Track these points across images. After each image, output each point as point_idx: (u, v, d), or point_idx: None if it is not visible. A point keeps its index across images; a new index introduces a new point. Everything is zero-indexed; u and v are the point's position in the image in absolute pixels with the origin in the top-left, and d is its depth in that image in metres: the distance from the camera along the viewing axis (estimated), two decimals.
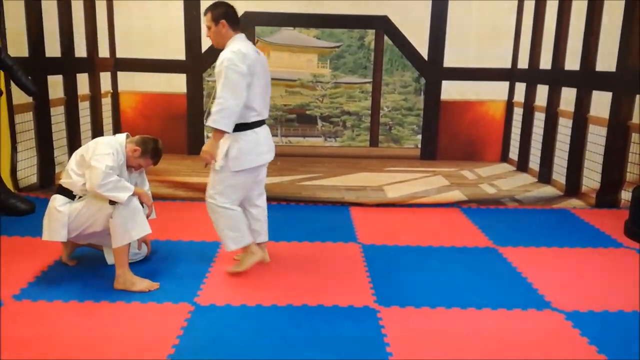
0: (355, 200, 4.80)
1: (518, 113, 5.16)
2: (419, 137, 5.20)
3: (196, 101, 4.97)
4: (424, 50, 4.99)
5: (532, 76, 5.04)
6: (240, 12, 4.78)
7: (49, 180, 4.83)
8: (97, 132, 5.00)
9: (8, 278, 3.14)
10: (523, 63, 5.02)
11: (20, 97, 4.54)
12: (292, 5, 4.84)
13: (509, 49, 4.99)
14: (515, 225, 4.35)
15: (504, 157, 5.27)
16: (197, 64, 4.85)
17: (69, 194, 3.09)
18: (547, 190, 4.98)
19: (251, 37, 4.93)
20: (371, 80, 5.09)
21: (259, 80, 3.12)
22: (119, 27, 4.85)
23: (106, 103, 5.06)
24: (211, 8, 3.17)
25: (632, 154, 4.68)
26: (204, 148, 3.10)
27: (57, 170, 4.86)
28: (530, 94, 5.08)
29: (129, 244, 3.04)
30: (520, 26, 4.95)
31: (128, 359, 2.43)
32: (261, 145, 3.23)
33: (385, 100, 5.13)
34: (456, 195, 4.87)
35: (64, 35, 4.77)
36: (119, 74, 4.99)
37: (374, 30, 4.99)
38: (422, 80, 5.09)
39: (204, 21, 3.19)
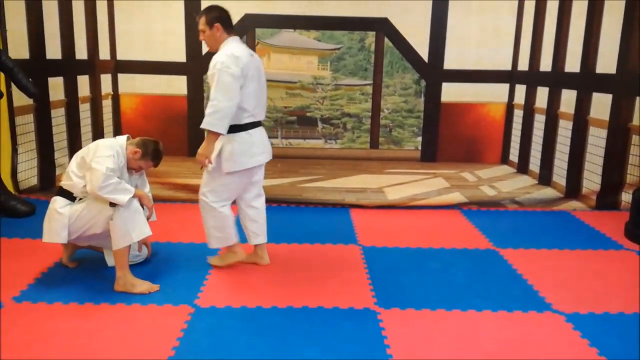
0: (355, 202, 4.80)
1: (518, 115, 5.16)
2: (419, 139, 5.20)
3: (196, 103, 4.97)
4: (424, 53, 5.00)
5: (532, 78, 5.04)
6: (240, 14, 4.86)
7: (49, 182, 4.83)
8: (98, 134, 5.01)
9: (8, 280, 3.14)
10: (523, 65, 5.02)
11: (20, 99, 4.55)
12: (292, 7, 4.85)
13: (509, 51, 4.99)
14: (515, 227, 4.35)
15: (504, 159, 5.27)
16: (198, 65, 4.86)
17: (69, 196, 3.09)
18: (548, 192, 4.98)
19: (251, 39, 4.95)
20: (371, 82, 5.09)
21: (252, 82, 3.14)
22: (119, 29, 4.86)
23: (107, 105, 5.06)
24: (205, 12, 3.20)
25: (632, 156, 4.68)
26: (200, 151, 3.11)
27: (57, 172, 4.86)
28: (530, 96, 5.08)
29: (129, 246, 3.04)
30: (521, 28, 4.96)
31: None
32: (255, 146, 3.24)
33: (385, 102, 5.13)
34: (456, 197, 4.87)
35: (65, 37, 4.77)
36: (120, 75, 5.00)
37: (374, 33, 5.00)
38: (423, 82, 5.09)
39: (198, 25, 3.20)
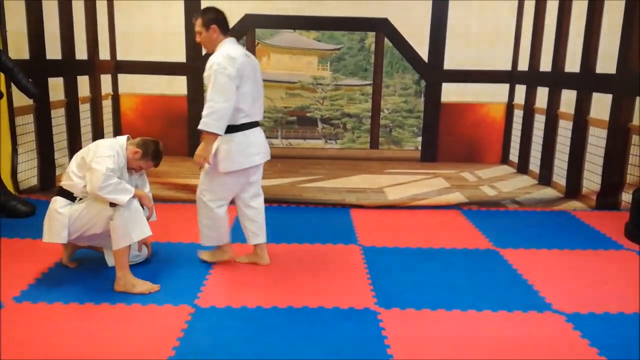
0: (355, 202, 4.80)
1: (518, 115, 5.16)
2: (419, 139, 5.20)
3: (197, 103, 4.96)
4: (424, 53, 5.00)
5: (532, 78, 5.04)
6: (240, 15, 4.86)
7: (49, 182, 4.83)
8: (98, 134, 5.01)
9: (8, 280, 3.13)
10: (523, 65, 5.02)
11: (20, 99, 4.55)
12: (292, 8, 4.85)
13: (509, 51, 5.00)
14: (515, 227, 4.35)
15: (505, 159, 5.27)
16: (198, 65, 4.84)
17: (69, 196, 3.09)
18: (548, 192, 4.98)
19: (251, 39, 4.95)
20: (371, 82, 5.09)
21: (248, 83, 3.15)
22: (119, 29, 4.86)
23: (107, 105, 5.06)
24: (202, 13, 3.23)
25: (632, 156, 4.68)
26: (198, 152, 3.12)
27: (57, 173, 4.86)
28: (530, 96, 5.08)
29: (130, 246, 3.04)
30: (521, 28, 4.96)
31: None
32: (251, 147, 3.25)
33: (385, 102, 5.13)
34: (456, 197, 4.87)
35: (65, 38, 4.77)
36: (120, 76, 5.00)
37: (374, 33, 5.00)
38: (423, 83, 5.09)
39: (195, 26, 3.22)
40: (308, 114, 5.15)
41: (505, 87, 5.10)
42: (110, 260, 3.28)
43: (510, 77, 5.06)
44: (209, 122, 3.02)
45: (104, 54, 4.93)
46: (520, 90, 5.09)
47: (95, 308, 2.87)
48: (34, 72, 4.49)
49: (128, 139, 3.22)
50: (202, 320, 2.78)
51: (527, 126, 5.13)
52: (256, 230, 3.44)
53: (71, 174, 3.09)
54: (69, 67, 4.86)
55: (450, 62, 5.00)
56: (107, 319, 2.77)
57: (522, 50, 5.00)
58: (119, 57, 4.93)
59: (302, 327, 2.73)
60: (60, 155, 4.92)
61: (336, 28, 4.99)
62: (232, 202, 3.43)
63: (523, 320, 2.86)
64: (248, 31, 4.93)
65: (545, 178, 5.06)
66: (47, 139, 4.85)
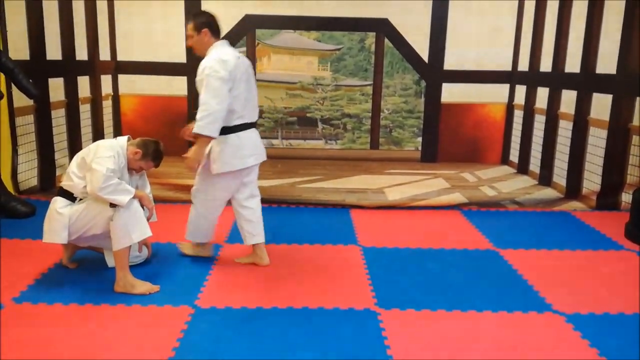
0: (355, 202, 4.80)
1: (518, 115, 5.16)
2: (420, 139, 5.21)
3: (197, 104, 4.96)
4: (424, 53, 5.00)
5: (532, 79, 5.04)
6: (241, 15, 4.87)
7: (49, 182, 4.84)
8: (98, 134, 5.01)
9: (8, 281, 3.13)
10: (523, 66, 5.03)
11: (21, 99, 4.55)
12: (292, 8, 4.85)
13: (509, 51, 5.00)
14: (515, 228, 4.35)
15: (505, 160, 5.27)
16: (198, 66, 4.85)
17: (69, 197, 3.10)
18: (548, 193, 4.98)
19: (252, 40, 4.95)
20: (372, 82, 5.10)
21: (240, 84, 3.17)
22: (119, 29, 4.87)
23: (107, 106, 5.07)
24: (193, 17, 3.25)
25: (632, 157, 4.68)
26: (191, 155, 3.12)
27: (57, 173, 4.86)
28: (530, 97, 5.08)
29: (130, 246, 3.04)
30: (521, 29, 4.96)
31: None
32: (245, 149, 3.26)
33: (385, 102, 5.13)
34: (457, 197, 4.87)
35: (65, 38, 4.78)
36: (120, 76, 5.01)
37: (374, 33, 5.00)
38: (423, 83, 5.09)
39: (186, 30, 3.24)
40: (308, 115, 5.15)
41: (505, 88, 5.10)
42: (110, 261, 3.28)
43: (510, 77, 5.06)
44: (203, 125, 3.04)
45: (104, 54, 4.94)
46: (521, 91, 5.10)
47: (95, 309, 2.87)
48: (34, 73, 4.49)
49: (128, 139, 3.22)
50: (202, 321, 2.78)
51: (527, 126, 5.13)
52: (252, 230, 3.45)
53: (71, 175, 3.09)
54: (69, 68, 4.87)
55: (451, 62, 5.00)
56: (107, 320, 2.77)
57: (522, 51, 5.00)
58: (119, 57, 4.94)
59: (302, 328, 2.73)
60: (60, 155, 4.92)
61: (336, 28, 4.99)
62: (229, 202, 3.45)
63: (523, 321, 2.86)
64: (248, 32, 4.93)
65: (545, 178, 5.06)
66: (48, 140, 4.85)
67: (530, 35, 4.95)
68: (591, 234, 4.24)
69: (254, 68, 4.99)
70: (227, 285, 3.22)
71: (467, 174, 5.17)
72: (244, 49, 4.97)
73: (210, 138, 3.09)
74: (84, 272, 3.32)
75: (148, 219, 3.12)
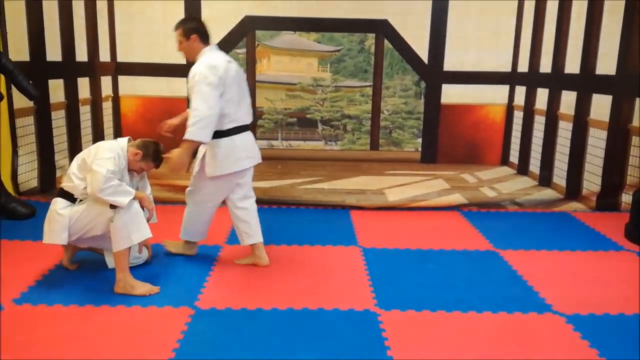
0: (355, 203, 4.80)
1: (518, 116, 5.17)
2: (420, 140, 5.21)
3: None
4: (424, 54, 5.01)
5: (532, 79, 5.05)
6: (240, 16, 4.87)
7: (49, 184, 4.84)
8: (98, 136, 5.01)
9: (8, 282, 3.13)
10: (523, 66, 5.03)
11: (21, 101, 4.55)
12: (292, 9, 4.85)
13: (509, 52, 5.00)
14: (515, 229, 4.35)
15: (505, 161, 5.27)
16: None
17: (70, 198, 3.10)
18: (548, 194, 4.98)
19: (251, 41, 4.95)
20: (371, 83, 5.10)
21: (232, 88, 3.19)
22: (119, 30, 4.87)
23: (107, 107, 5.07)
24: (182, 24, 3.27)
25: (632, 157, 4.68)
26: (175, 159, 3.11)
27: (57, 175, 4.86)
28: (530, 97, 5.09)
29: (130, 247, 3.04)
30: (520, 30, 4.97)
31: None
32: (238, 151, 3.28)
33: (385, 103, 5.14)
34: (457, 198, 4.87)
35: (65, 39, 4.78)
36: (120, 77, 5.01)
37: (374, 34, 5.00)
38: (423, 84, 5.10)
39: (175, 36, 3.27)
40: (308, 116, 5.15)
41: (505, 89, 5.10)
42: (110, 262, 3.28)
43: (510, 78, 5.06)
44: (195, 131, 3.05)
45: (104, 55, 4.94)
46: (520, 92, 5.10)
47: (95, 310, 2.87)
48: (34, 74, 4.49)
49: (129, 140, 3.22)
50: (202, 322, 2.78)
51: (527, 127, 5.13)
52: (248, 230, 3.45)
53: (72, 176, 3.09)
54: (69, 69, 4.87)
55: (450, 63, 5.01)
56: (107, 321, 2.77)
57: (522, 52, 5.00)
58: (119, 58, 4.94)
59: (302, 329, 2.73)
60: (60, 157, 4.92)
61: (336, 29, 5.00)
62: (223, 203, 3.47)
63: (523, 322, 2.86)
64: (248, 33, 4.93)
65: (545, 179, 5.06)
66: (48, 141, 4.85)
67: (530, 36, 4.95)
68: (591, 234, 4.24)
69: (254, 69, 5.03)
70: (227, 286, 3.22)
71: (467, 175, 5.17)
72: (244, 50, 4.97)
73: (196, 143, 3.11)
74: (84, 273, 3.32)
75: (148, 220, 3.12)
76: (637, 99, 4.59)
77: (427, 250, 3.85)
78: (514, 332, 2.76)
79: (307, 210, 4.73)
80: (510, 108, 5.15)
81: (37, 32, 4.64)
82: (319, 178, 5.11)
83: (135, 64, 4.93)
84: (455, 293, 3.17)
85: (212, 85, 3.06)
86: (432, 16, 4.90)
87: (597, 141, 4.77)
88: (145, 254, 3.40)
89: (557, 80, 4.92)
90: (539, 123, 5.06)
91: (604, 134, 4.73)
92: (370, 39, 5.02)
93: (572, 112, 4.86)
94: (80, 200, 3.09)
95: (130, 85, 5.00)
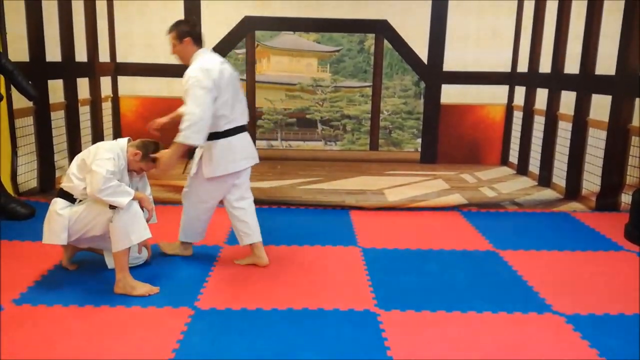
0: (355, 203, 4.80)
1: (518, 116, 5.17)
2: (419, 140, 5.21)
3: None
4: (423, 54, 5.01)
5: (531, 80, 5.05)
6: (240, 17, 4.87)
7: (49, 184, 4.83)
8: (98, 136, 5.01)
9: (8, 282, 3.13)
10: (523, 66, 5.03)
11: (20, 101, 4.55)
12: (292, 10, 4.86)
13: (509, 52, 5.01)
14: (515, 229, 4.35)
15: (504, 161, 5.28)
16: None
17: (69, 198, 3.10)
18: (547, 194, 4.98)
19: (251, 41, 4.95)
20: (371, 84, 5.10)
21: (227, 90, 3.20)
22: (119, 31, 4.88)
23: (106, 107, 5.07)
24: (175, 26, 3.27)
25: (632, 157, 4.68)
26: (165, 160, 3.12)
27: (57, 175, 4.86)
28: (530, 98, 5.09)
29: (129, 248, 3.04)
30: (520, 30, 4.97)
31: None
32: (236, 152, 3.29)
33: (385, 104, 5.14)
34: (456, 198, 4.87)
35: (64, 40, 4.78)
36: (120, 78, 5.01)
37: (373, 35, 5.00)
38: (422, 84, 5.10)
39: (169, 39, 3.27)
40: (308, 116, 5.15)
41: (504, 89, 5.11)
42: (110, 263, 3.27)
43: (509, 78, 5.07)
44: (188, 134, 3.06)
45: (104, 56, 4.94)
46: (520, 92, 5.10)
47: (95, 310, 2.87)
48: (33, 75, 4.49)
49: (129, 141, 3.22)
50: (202, 323, 2.78)
51: (526, 127, 5.13)
52: (247, 230, 3.46)
53: (71, 176, 3.09)
54: (68, 69, 4.87)
55: (450, 63, 5.01)
56: (106, 322, 2.76)
57: (522, 52, 5.01)
58: (119, 59, 4.94)
59: (302, 329, 2.73)
60: (60, 157, 4.92)
61: (336, 30, 5.00)
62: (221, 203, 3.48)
63: (523, 322, 2.86)
64: (248, 33, 4.93)
65: (544, 179, 5.06)
66: (47, 141, 4.85)
67: (530, 36, 4.95)
68: (591, 234, 4.24)
69: (254, 69, 5.03)
70: (227, 286, 3.22)
71: (466, 175, 5.17)
72: (244, 50, 4.97)
73: (187, 146, 3.11)
74: (84, 273, 3.31)
75: (148, 221, 3.12)
76: (637, 99, 4.59)
77: (427, 250, 3.85)
78: (514, 332, 2.76)
79: (306, 210, 4.73)
80: (509, 108, 5.15)
81: (37, 32, 4.64)
82: (318, 178, 5.11)
83: (134, 64, 4.93)
84: (455, 293, 3.17)
85: (206, 89, 3.07)
86: (431, 16, 4.91)
87: (596, 141, 4.77)
88: (144, 255, 3.40)
89: (557, 80, 4.92)
90: (539, 123, 5.07)
91: (603, 134, 4.73)
92: (370, 39, 5.02)
93: (572, 112, 4.86)
94: (80, 201, 3.08)
95: (129, 86, 5.00)
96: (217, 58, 3.27)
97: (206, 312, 2.88)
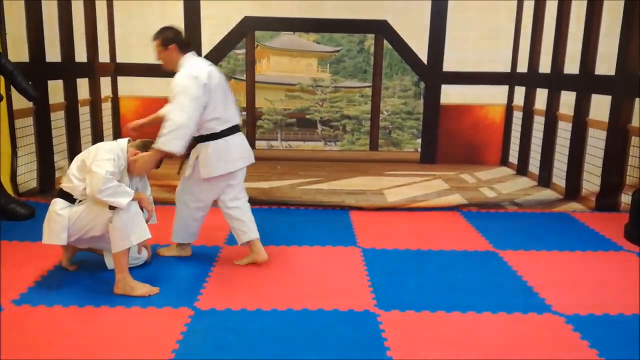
0: (355, 204, 4.80)
1: (517, 117, 5.17)
2: (419, 140, 5.21)
3: None
4: (423, 54, 5.01)
5: (531, 80, 5.05)
6: (240, 17, 4.87)
7: (49, 185, 4.83)
8: (97, 136, 5.01)
9: (8, 283, 3.13)
10: (522, 67, 5.03)
11: (20, 102, 4.55)
12: (292, 10, 4.86)
13: (508, 52, 5.01)
14: (515, 229, 4.34)
15: (504, 161, 5.28)
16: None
17: (69, 198, 3.10)
18: (547, 194, 4.98)
19: (251, 42, 4.95)
20: (371, 84, 5.10)
21: (217, 93, 3.20)
22: (118, 31, 4.87)
23: (106, 108, 5.07)
24: (159, 33, 3.26)
25: (631, 157, 4.68)
26: (140, 164, 3.11)
27: (57, 175, 4.86)
28: (529, 98, 5.09)
29: (129, 248, 3.04)
30: (520, 30, 4.97)
31: None
32: (232, 152, 3.29)
33: (385, 104, 5.14)
34: (456, 198, 4.87)
35: (64, 40, 4.78)
36: (119, 78, 5.00)
37: (373, 35, 5.00)
38: (422, 84, 5.10)
39: (154, 46, 3.27)
40: (307, 116, 5.15)
41: (504, 89, 5.11)
42: (109, 263, 3.28)
43: (509, 78, 5.07)
44: (167, 140, 3.04)
45: (104, 56, 4.94)
46: (520, 92, 5.10)
47: (95, 311, 2.87)
48: (33, 75, 4.49)
49: (129, 141, 3.22)
50: (201, 323, 2.78)
51: (526, 128, 5.13)
52: (243, 227, 3.46)
53: (71, 177, 3.09)
54: (68, 70, 4.87)
55: (450, 63, 5.01)
56: (106, 322, 2.77)
57: (522, 52, 5.01)
58: (119, 59, 4.94)
59: (302, 330, 2.73)
60: (59, 158, 4.92)
61: (335, 30, 5.00)
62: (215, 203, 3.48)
63: (523, 322, 2.86)
64: (247, 33, 4.93)
65: (544, 179, 5.06)
66: (47, 142, 4.85)
67: (529, 36, 4.95)
68: (591, 235, 4.24)
69: (254, 69, 5.03)
70: (227, 287, 3.22)
71: (466, 175, 5.17)
72: (244, 50, 4.97)
73: (164, 153, 3.09)
74: (84, 274, 3.31)
75: (147, 221, 3.12)
76: (637, 99, 4.59)
77: (426, 250, 3.85)
78: (514, 332, 2.76)
79: (306, 210, 4.73)
80: (509, 108, 5.15)
81: (37, 33, 4.64)
82: (318, 178, 5.11)
83: (134, 64, 4.93)
84: (455, 293, 3.17)
85: (193, 97, 3.07)
86: (431, 16, 4.91)
87: (596, 141, 4.77)
88: (144, 255, 3.40)
89: (557, 81, 4.92)
90: (539, 123, 5.07)
91: (603, 134, 4.72)
92: (370, 40, 5.02)
93: (572, 113, 4.86)
94: (80, 201, 3.08)
95: (129, 86, 5.00)
96: (204, 62, 3.29)
97: (206, 313, 2.88)
